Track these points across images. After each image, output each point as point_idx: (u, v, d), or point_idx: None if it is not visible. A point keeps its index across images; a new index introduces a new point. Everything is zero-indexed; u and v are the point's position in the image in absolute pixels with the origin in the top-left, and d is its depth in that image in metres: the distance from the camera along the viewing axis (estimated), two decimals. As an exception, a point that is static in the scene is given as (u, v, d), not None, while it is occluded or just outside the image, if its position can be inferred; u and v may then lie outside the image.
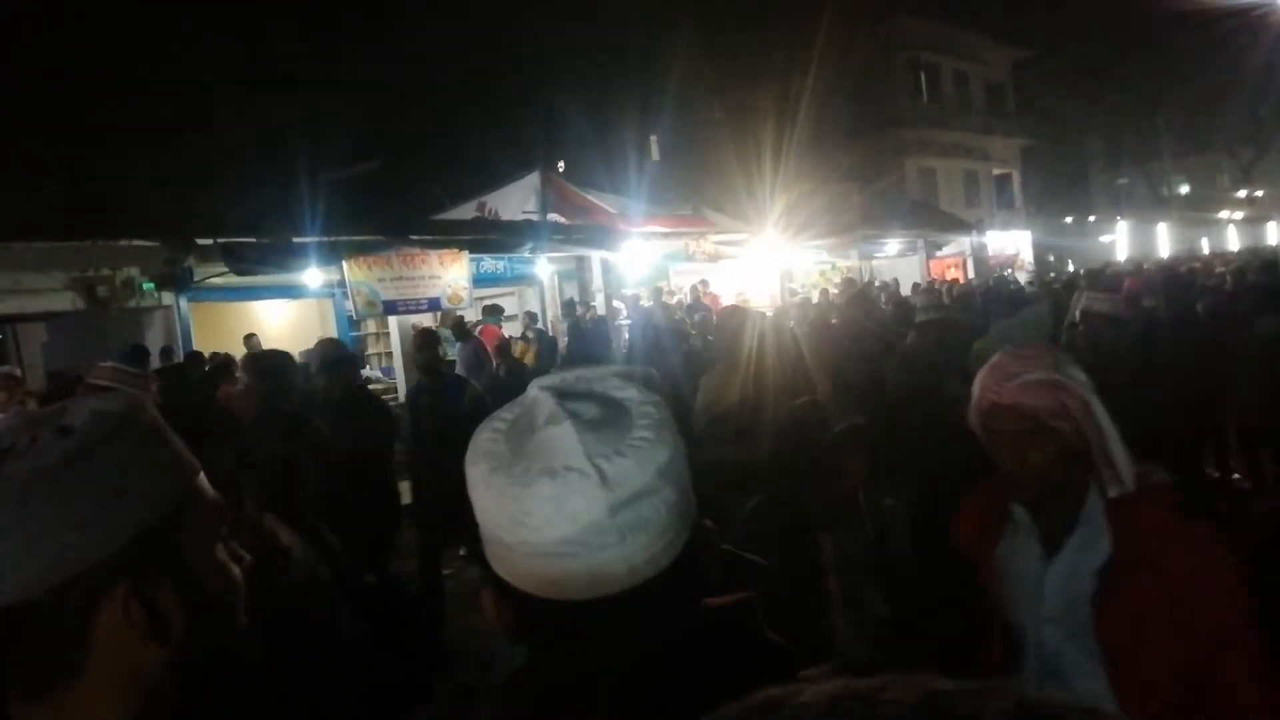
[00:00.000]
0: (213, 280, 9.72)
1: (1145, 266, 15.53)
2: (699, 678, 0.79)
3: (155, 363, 8.93)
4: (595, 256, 13.71)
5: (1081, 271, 13.37)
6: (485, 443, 0.85)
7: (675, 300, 13.81)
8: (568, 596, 0.80)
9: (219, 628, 0.86)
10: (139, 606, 0.77)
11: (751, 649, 0.85)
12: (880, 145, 26.48)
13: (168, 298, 9.72)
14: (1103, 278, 11.97)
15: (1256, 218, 35.94)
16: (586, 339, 7.93)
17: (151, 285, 9.70)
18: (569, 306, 11.97)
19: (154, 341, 9.43)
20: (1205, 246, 32.59)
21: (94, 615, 0.77)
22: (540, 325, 12.11)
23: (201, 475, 0.89)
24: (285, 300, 12.48)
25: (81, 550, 0.75)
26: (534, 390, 0.89)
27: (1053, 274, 19.81)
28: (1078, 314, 5.45)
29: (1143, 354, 5.22)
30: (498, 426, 0.87)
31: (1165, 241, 31.31)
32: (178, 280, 9.45)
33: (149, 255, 9.49)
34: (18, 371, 8.27)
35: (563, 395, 0.87)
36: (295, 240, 9.45)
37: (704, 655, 0.81)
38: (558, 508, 0.78)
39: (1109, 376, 4.64)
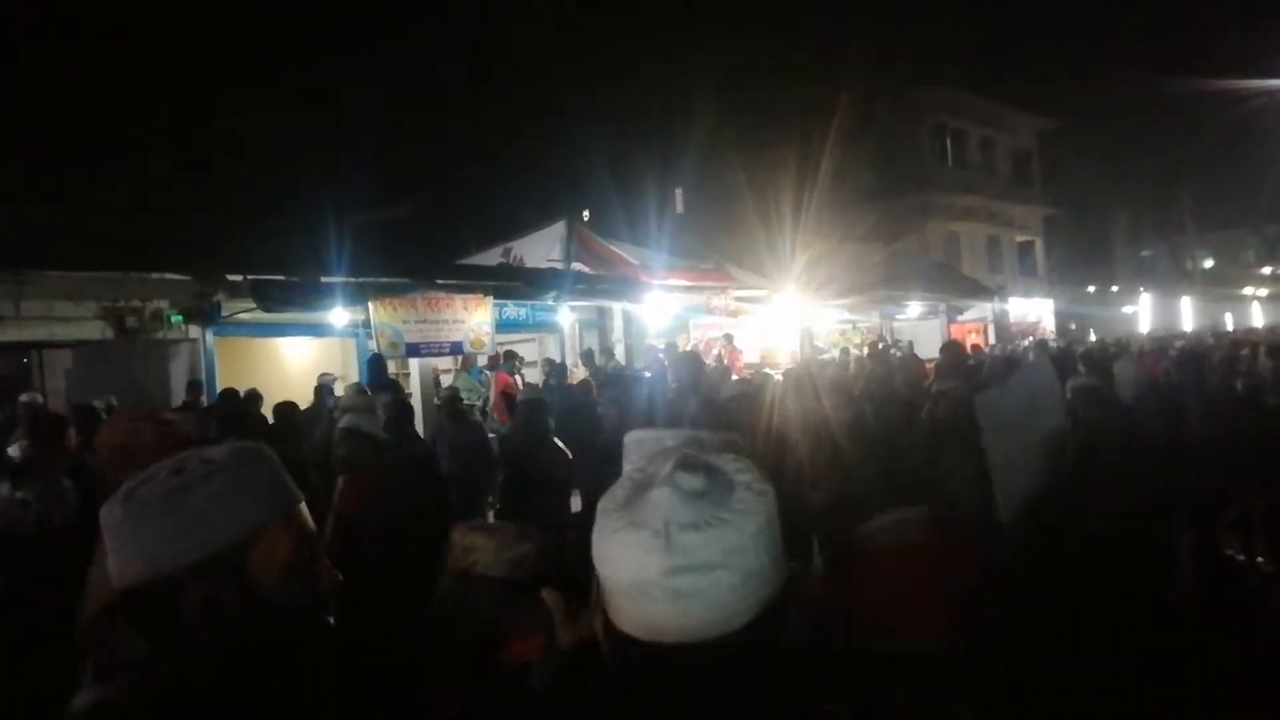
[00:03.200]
0: (240, 315, 9.83)
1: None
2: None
3: (180, 396, 9.05)
4: (617, 307, 13.78)
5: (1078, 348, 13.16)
6: (616, 488, 1.01)
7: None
8: (630, 631, 0.95)
9: (280, 626, 1.14)
10: (205, 602, 1.09)
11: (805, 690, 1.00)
12: (903, 207, 26.63)
13: (194, 331, 9.82)
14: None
15: (1282, 295, 35.78)
16: (617, 385, 7.93)
17: (179, 318, 9.82)
18: (587, 356, 11.99)
19: (179, 373, 9.52)
20: (1229, 322, 32.41)
21: (178, 601, 1.09)
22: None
23: (301, 506, 1.22)
24: (310, 338, 12.59)
25: (168, 559, 1.09)
26: (668, 448, 1.09)
27: (1070, 342, 19.71)
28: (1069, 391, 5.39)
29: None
30: (634, 475, 1.02)
31: (1189, 315, 31.14)
32: (205, 314, 9.57)
33: (179, 289, 9.63)
34: (40, 398, 8.35)
35: (682, 463, 0.99)
36: (323, 280, 9.57)
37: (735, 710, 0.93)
38: (625, 556, 0.93)
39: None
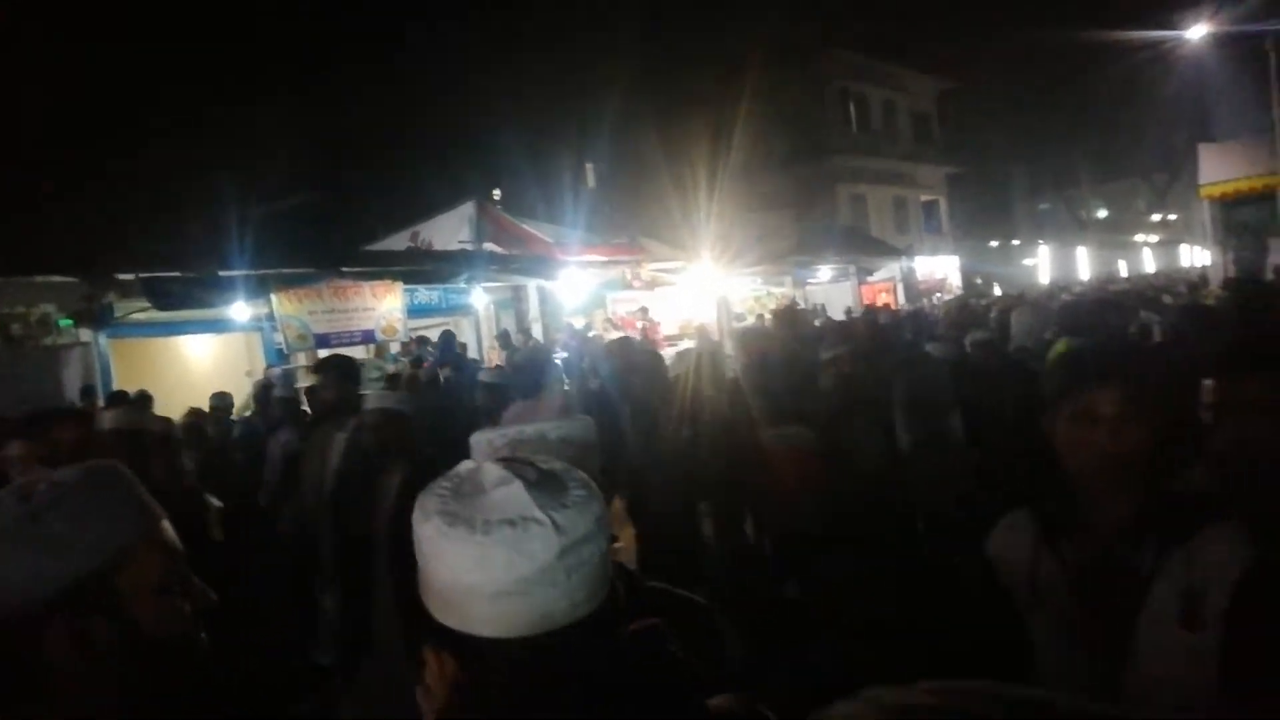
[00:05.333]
0: (134, 316, 9.43)
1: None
2: (621, 693, 0.94)
3: (76, 402, 8.65)
4: (532, 286, 13.67)
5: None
6: (435, 503, 0.97)
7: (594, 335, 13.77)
8: (518, 633, 0.92)
9: (158, 655, 1.08)
10: (72, 636, 1.01)
11: (662, 666, 1.01)
12: (813, 173, 27.00)
13: (86, 334, 9.39)
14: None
15: (1170, 240, 37.52)
16: (522, 373, 7.78)
17: (69, 322, 9.37)
18: (504, 338, 11.88)
19: (72, 380, 9.10)
20: (1123, 268, 33.88)
21: (40, 640, 1.01)
22: (474, 355, 11.98)
23: (164, 523, 1.15)
24: (211, 335, 12.17)
25: (26, 592, 1.00)
26: (469, 464, 1.04)
27: (979, 297, 20.36)
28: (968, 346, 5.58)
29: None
30: (443, 491, 0.99)
31: (1085, 264, 32.44)
32: (97, 316, 9.15)
33: (67, 291, 9.18)
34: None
35: (505, 463, 1.00)
36: (221, 274, 9.24)
37: (624, 673, 0.96)
38: (518, 550, 0.91)
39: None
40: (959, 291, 22.70)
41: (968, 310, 12.52)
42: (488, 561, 0.91)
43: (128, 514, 1.11)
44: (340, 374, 4.60)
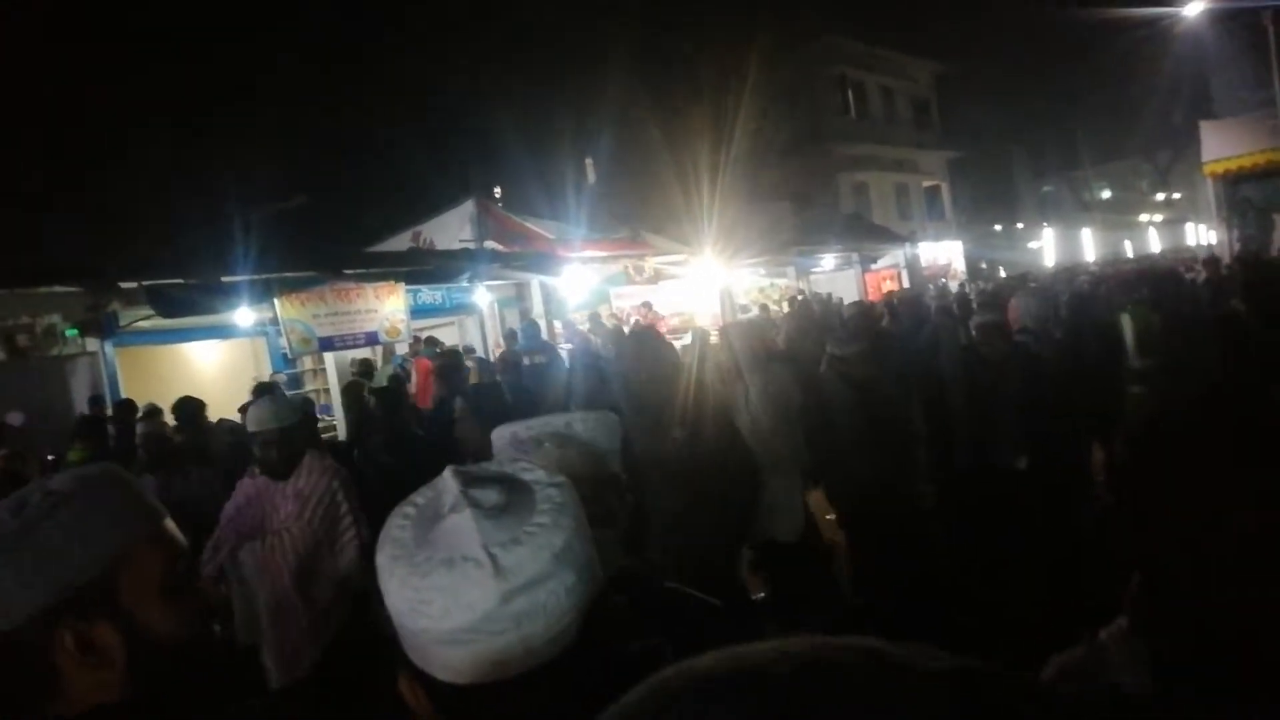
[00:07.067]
0: (139, 324, 9.46)
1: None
2: None
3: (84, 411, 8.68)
4: (535, 283, 13.67)
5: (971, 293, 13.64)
6: (394, 529, 0.88)
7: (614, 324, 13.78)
8: (469, 681, 0.83)
9: (166, 657, 1.06)
10: (78, 643, 1.00)
11: None
12: (813, 162, 26.94)
13: (92, 344, 9.41)
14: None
15: (1175, 219, 37.31)
16: (524, 376, 7.82)
17: (75, 332, 9.41)
18: (510, 337, 11.86)
19: (80, 390, 9.13)
20: (1129, 249, 33.72)
21: (48, 649, 0.99)
22: (479, 355, 11.99)
23: (166, 521, 1.12)
24: (216, 341, 12.20)
25: (27, 603, 0.98)
26: (447, 473, 0.92)
27: (982, 281, 20.30)
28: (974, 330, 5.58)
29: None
30: (408, 512, 0.90)
31: (1090, 245, 32.30)
32: (102, 326, 9.17)
33: (72, 301, 9.21)
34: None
35: (469, 481, 0.89)
36: (224, 280, 9.25)
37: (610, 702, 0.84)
38: (455, 598, 0.81)
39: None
40: (964, 277, 22.61)
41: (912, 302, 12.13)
42: (425, 606, 0.82)
43: (126, 517, 1.09)
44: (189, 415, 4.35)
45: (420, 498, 0.92)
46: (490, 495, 0.87)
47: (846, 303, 14.96)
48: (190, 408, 6.44)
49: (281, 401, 3.87)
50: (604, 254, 14.29)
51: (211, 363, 12.99)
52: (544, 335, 12.78)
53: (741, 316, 15.59)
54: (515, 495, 0.89)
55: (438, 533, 0.85)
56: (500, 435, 1.60)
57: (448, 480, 0.91)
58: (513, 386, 6.94)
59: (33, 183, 17.83)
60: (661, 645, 0.94)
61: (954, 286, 18.56)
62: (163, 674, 1.06)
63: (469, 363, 10.77)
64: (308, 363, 13.06)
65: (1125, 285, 10.15)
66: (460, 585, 0.81)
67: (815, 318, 11.91)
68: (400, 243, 16.74)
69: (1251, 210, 17.07)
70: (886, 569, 4.37)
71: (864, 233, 21.47)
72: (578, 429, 1.55)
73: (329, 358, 11.42)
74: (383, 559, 0.87)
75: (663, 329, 13.65)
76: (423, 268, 11.84)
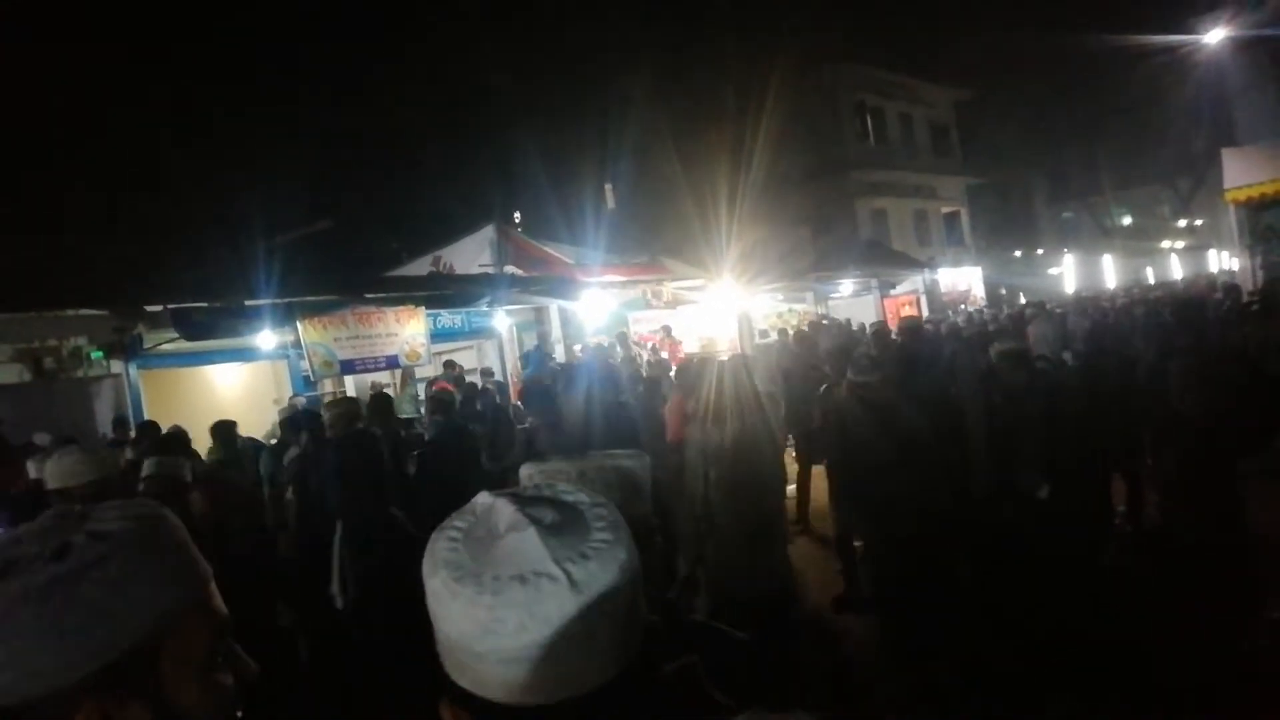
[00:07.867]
0: (164, 347, 9.57)
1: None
2: None
3: (108, 433, 8.78)
4: (554, 307, 13.74)
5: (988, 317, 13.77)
6: (444, 552, 0.86)
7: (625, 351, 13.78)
8: (536, 701, 0.81)
9: None
10: None
11: (699, 710, 0.93)
12: (832, 188, 26.97)
13: (117, 366, 9.54)
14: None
15: (1197, 246, 37.03)
16: (544, 399, 7.81)
17: (100, 354, 9.53)
18: (528, 359, 11.93)
19: (104, 411, 9.24)
20: (1150, 275, 33.49)
21: None
22: (499, 378, 12.05)
23: (210, 584, 0.95)
24: (239, 363, 12.31)
25: (56, 671, 0.81)
26: (486, 497, 0.92)
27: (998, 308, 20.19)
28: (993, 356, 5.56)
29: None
30: (453, 535, 0.88)
31: (1111, 271, 32.11)
32: (127, 348, 9.29)
33: (97, 323, 9.34)
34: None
35: (521, 502, 0.89)
36: (247, 303, 9.36)
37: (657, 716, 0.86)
38: (531, 613, 0.80)
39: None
40: (983, 303, 22.52)
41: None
42: (498, 625, 0.80)
43: (177, 575, 0.91)
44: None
45: (461, 521, 0.90)
46: (547, 514, 0.88)
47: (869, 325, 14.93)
48: (227, 430, 6.61)
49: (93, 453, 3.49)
50: (622, 279, 14.35)
51: (234, 385, 13.10)
52: (561, 358, 12.84)
53: (759, 341, 15.60)
54: (566, 514, 0.89)
55: (499, 551, 0.84)
56: (527, 473, 1.58)
57: (497, 501, 0.90)
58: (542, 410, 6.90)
59: (61, 207, 18.11)
60: (695, 665, 0.96)
61: (971, 311, 18.49)
62: None
63: (489, 385, 10.83)
64: (328, 386, 13.14)
65: (1152, 314, 10.15)
66: (537, 600, 0.80)
67: (843, 337, 11.88)
68: (421, 267, 16.88)
69: (1275, 237, 16.95)
70: (905, 572, 4.48)
71: (883, 258, 21.44)
72: (609, 468, 1.54)
73: (350, 381, 11.48)
74: (439, 582, 0.84)
75: (678, 354, 13.69)
76: (443, 292, 11.94)
